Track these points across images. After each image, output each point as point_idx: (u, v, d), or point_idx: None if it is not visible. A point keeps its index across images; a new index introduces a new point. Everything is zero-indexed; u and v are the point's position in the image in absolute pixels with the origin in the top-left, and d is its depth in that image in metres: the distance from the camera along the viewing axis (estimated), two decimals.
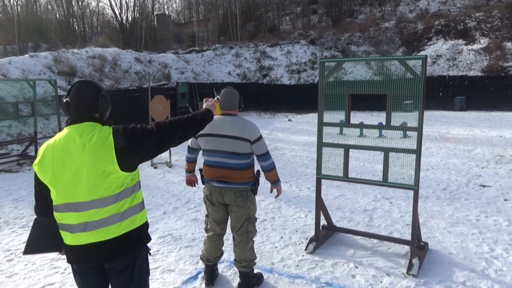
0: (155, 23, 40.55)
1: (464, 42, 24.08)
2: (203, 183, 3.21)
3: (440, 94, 20.22)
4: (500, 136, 11.68)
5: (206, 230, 3.30)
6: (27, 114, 10.93)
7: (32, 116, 9.50)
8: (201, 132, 3.04)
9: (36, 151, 9.50)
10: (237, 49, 28.02)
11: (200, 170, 3.23)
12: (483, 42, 23.32)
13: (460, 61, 22.86)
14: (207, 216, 3.27)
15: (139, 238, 2.02)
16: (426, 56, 3.42)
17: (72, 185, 1.87)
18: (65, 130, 1.95)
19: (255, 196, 3.24)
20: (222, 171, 3.03)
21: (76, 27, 40.03)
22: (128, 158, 1.91)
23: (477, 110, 19.25)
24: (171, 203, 5.88)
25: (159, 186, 6.90)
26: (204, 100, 2.69)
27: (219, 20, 40.67)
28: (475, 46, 23.31)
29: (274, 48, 27.90)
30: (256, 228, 3.38)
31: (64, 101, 1.98)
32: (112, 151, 1.86)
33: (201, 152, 3.23)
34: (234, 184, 3.04)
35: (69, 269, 3.77)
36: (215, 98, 2.72)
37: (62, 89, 14.79)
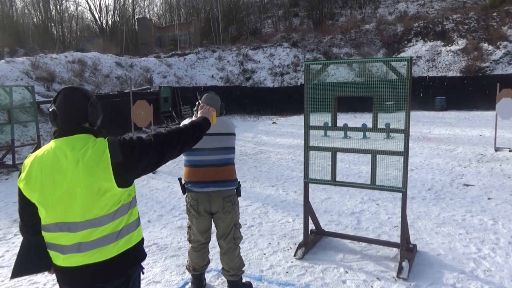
0: (136, 27, 40.10)
1: (442, 43, 24.60)
2: (184, 192, 3.09)
3: (421, 94, 20.55)
4: (480, 135, 11.91)
5: (190, 241, 3.19)
6: (3, 121, 10.56)
7: (8, 124, 9.18)
8: None
9: (14, 159, 9.17)
10: (219, 52, 27.89)
11: (179, 179, 3.12)
12: (461, 43, 23.86)
13: (439, 62, 23.33)
14: (189, 227, 3.16)
15: (135, 256, 1.88)
16: (411, 57, 3.41)
17: (64, 204, 1.71)
18: (53, 143, 1.78)
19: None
20: (213, 170, 2.95)
21: (55, 32, 39.19)
22: (126, 174, 1.76)
23: (457, 110, 19.65)
24: (155, 210, 5.73)
25: (143, 193, 6.73)
26: (199, 107, 2.54)
27: (201, 23, 40.48)
28: (453, 47, 23.83)
29: (256, 51, 27.89)
30: (242, 234, 3.32)
31: (50, 110, 1.82)
32: (108, 167, 1.71)
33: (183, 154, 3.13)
34: (223, 186, 2.98)
35: (49, 284, 3.59)
36: (208, 107, 2.57)
37: (40, 95, 14.40)
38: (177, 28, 36.51)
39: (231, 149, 3.10)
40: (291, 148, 10.85)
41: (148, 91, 18.30)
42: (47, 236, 1.78)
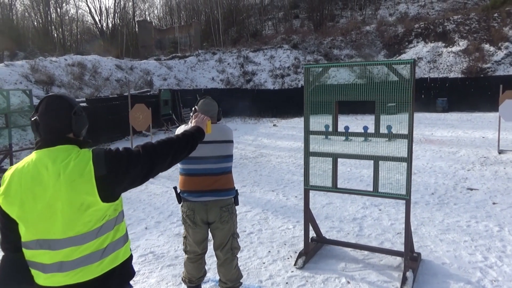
0: (137, 29, 40.08)
1: (443, 44, 24.48)
2: (180, 201, 2.97)
3: (422, 96, 20.43)
4: (483, 137, 11.77)
5: (186, 251, 3.06)
6: (1, 125, 10.47)
7: (6, 128, 9.08)
8: None
9: (11, 164, 9.07)
10: (220, 54, 27.83)
11: (175, 187, 3.00)
12: (462, 44, 23.74)
13: (441, 63, 23.21)
14: (185, 237, 3.04)
15: (122, 275, 1.75)
16: (414, 60, 3.29)
17: (45, 220, 1.59)
18: (34, 155, 1.67)
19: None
20: (209, 179, 2.84)
21: (55, 35, 39.19)
22: (111, 188, 1.64)
23: (459, 111, 19.52)
24: (153, 217, 5.62)
25: (141, 198, 6.62)
26: (193, 116, 2.39)
27: (201, 25, 40.46)
28: (455, 48, 23.71)
29: (257, 53, 27.83)
30: (240, 243, 3.20)
31: (32, 119, 1.70)
32: (92, 181, 1.59)
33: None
34: (220, 195, 2.86)
35: None
36: (203, 116, 2.40)
37: (39, 99, 14.32)
38: (178, 31, 36.48)
39: (229, 157, 2.97)
40: (292, 151, 10.73)
41: (148, 94, 18.22)
42: (28, 254, 1.67)
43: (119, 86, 19.50)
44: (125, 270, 1.77)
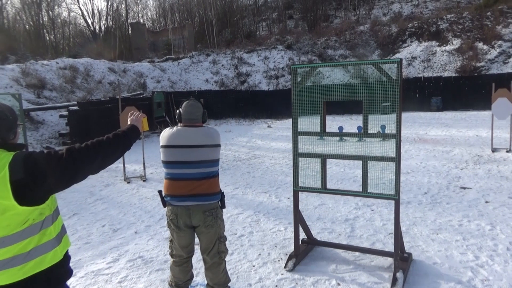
0: (130, 31, 39.97)
1: (437, 43, 24.61)
2: (165, 205, 2.94)
3: (417, 95, 20.51)
4: (477, 135, 11.82)
5: (172, 255, 3.03)
6: None
7: None
8: (163, 143, 2.88)
9: None
10: (214, 56, 27.81)
11: (160, 191, 2.97)
12: (456, 43, 23.87)
13: (435, 62, 23.32)
14: (171, 241, 3.01)
15: (50, 279, 1.74)
16: (401, 59, 3.29)
17: None
18: None
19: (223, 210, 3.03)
20: (192, 184, 2.80)
21: (47, 38, 38.98)
22: (29, 192, 1.64)
23: (453, 110, 19.60)
24: (143, 220, 5.57)
25: (132, 202, 6.57)
26: (129, 114, 2.32)
27: (194, 27, 40.43)
28: (448, 47, 23.84)
29: (251, 54, 27.83)
30: (229, 246, 3.16)
31: None
32: (7, 185, 1.59)
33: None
34: (203, 200, 2.82)
35: None
36: (138, 112, 2.31)
37: (30, 103, 14.24)
38: (171, 33, 36.42)
39: (214, 162, 2.91)
40: (286, 152, 10.71)
41: (141, 96, 18.15)
42: None
43: (111, 89, 19.42)
44: (54, 275, 1.76)
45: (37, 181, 1.65)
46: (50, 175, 1.68)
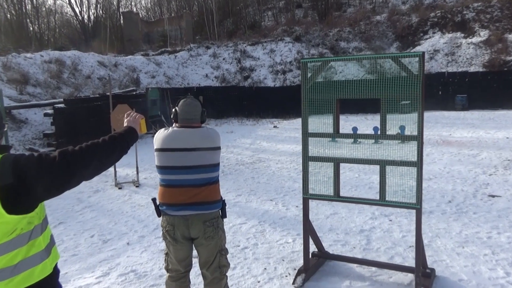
0: (122, 21, 40.20)
1: (462, 35, 24.53)
2: (159, 215, 2.94)
3: (440, 92, 20.45)
4: (507, 137, 11.77)
5: (167, 270, 3.04)
6: None
7: None
8: (158, 146, 2.87)
9: None
10: (214, 49, 27.90)
11: (154, 199, 2.97)
12: (483, 34, 23.78)
13: (460, 56, 23.24)
14: (166, 254, 3.01)
15: None
16: (423, 52, 3.28)
17: None
18: None
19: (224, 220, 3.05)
20: (190, 191, 2.80)
21: (30, 28, 39.28)
22: (18, 198, 1.64)
23: (480, 109, 19.50)
24: (136, 230, 5.60)
25: (123, 210, 6.60)
26: (125, 115, 2.32)
27: (193, 17, 40.57)
28: (475, 39, 23.75)
29: (255, 46, 27.89)
30: (231, 260, 3.16)
31: None
32: None
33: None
34: (202, 208, 2.82)
35: None
36: (135, 112, 2.31)
37: (12, 100, 14.34)
38: (167, 23, 36.57)
39: (214, 167, 2.92)
40: (294, 155, 10.72)
41: (134, 93, 18.24)
42: None
43: (101, 85, 19.53)
44: None
45: (27, 187, 1.65)
46: (42, 181, 1.68)
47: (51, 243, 1.87)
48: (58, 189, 1.75)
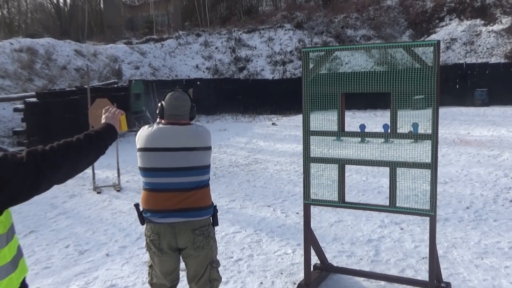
0: (102, 5, 40.13)
1: (482, 22, 24.62)
2: (142, 222, 2.93)
3: (457, 86, 20.54)
4: None
5: (151, 284, 3.04)
6: None
7: None
8: (141, 145, 2.85)
9: None
10: (206, 36, 27.89)
11: (136, 205, 2.96)
12: (505, 21, 23.88)
13: (479, 46, 23.34)
14: (150, 266, 3.01)
15: None
16: (439, 41, 3.29)
17: None
18: None
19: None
20: (177, 196, 2.80)
21: None
22: None
23: (502, 105, 19.57)
24: (117, 240, 5.59)
25: (102, 217, 6.59)
26: (103, 111, 2.32)
27: (182, 1, 40.53)
28: (496, 27, 23.85)
29: (252, 34, 27.91)
30: (223, 273, 3.17)
31: None
32: None
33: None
34: (191, 215, 2.83)
35: None
36: (115, 108, 2.32)
37: None
38: (153, 7, 36.53)
39: (205, 169, 2.92)
40: (294, 156, 10.75)
41: (115, 86, 18.21)
42: None
43: (79, 77, 19.49)
44: None
45: None
46: (7, 185, 1.65)
47: (19, 254, 1.85)
48: (25, 194, 1.73)
